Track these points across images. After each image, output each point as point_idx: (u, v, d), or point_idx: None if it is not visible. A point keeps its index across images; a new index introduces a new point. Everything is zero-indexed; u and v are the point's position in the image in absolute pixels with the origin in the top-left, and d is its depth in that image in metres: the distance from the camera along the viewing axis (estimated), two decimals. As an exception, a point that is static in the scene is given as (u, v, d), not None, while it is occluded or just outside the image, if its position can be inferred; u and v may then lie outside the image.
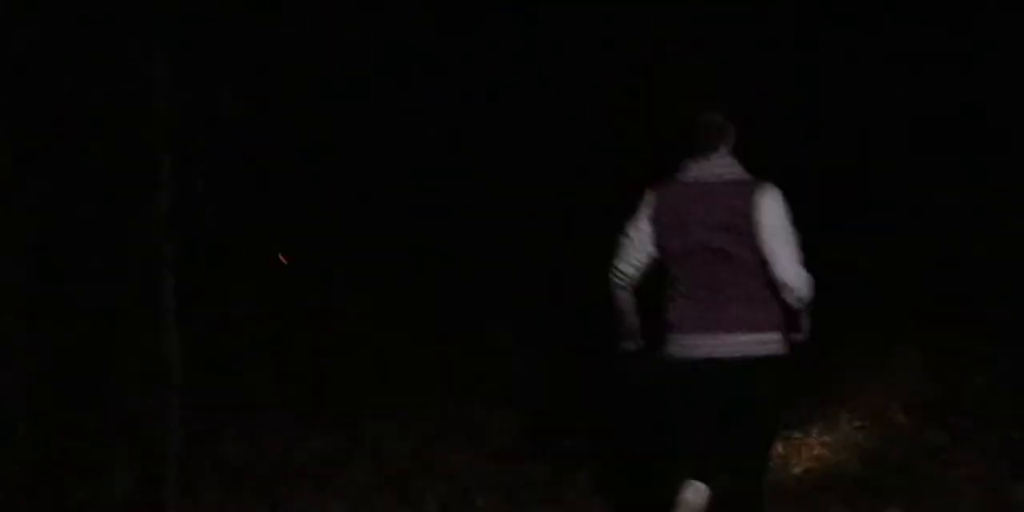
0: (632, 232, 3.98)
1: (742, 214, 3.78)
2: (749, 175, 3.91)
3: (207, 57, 6.10)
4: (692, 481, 3.74)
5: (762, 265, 3.79)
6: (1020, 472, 5.12)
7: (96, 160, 5.67)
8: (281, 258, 6.94)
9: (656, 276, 4.07)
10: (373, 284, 6.82)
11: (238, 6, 6.42)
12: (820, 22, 7.75)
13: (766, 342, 3.83)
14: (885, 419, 5.92)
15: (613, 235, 4.11)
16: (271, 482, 5.28)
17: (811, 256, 3.92)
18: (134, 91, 5.60)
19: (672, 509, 3.80)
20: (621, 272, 4.02)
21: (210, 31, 6.09)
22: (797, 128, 7.62)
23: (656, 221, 3.93)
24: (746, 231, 3.78)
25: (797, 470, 5.51)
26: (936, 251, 6.90)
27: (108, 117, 5.67)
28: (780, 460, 5.33)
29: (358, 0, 7.26)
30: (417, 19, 7.40)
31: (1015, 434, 5.50)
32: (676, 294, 3.91)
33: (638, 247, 3.97)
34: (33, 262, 5.58)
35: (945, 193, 7.26)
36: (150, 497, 5.15)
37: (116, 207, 5.68)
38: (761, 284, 3.82)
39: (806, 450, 5.66)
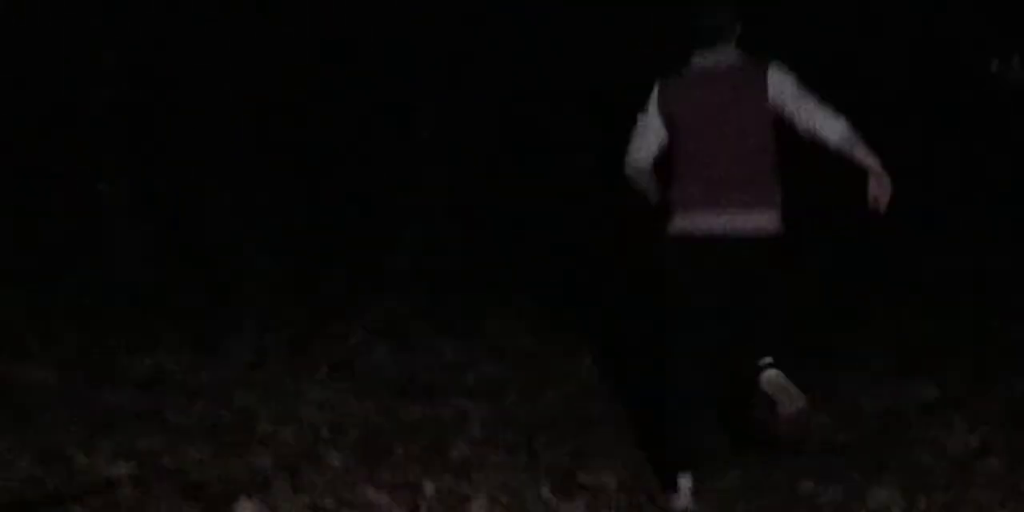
0: (643, 119, 4.09)
1: (752, 90, 3.90)
2: (753, 59, 4.01)
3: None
4: (760, 369, 3.84)
5: (771, 142, 3.93)
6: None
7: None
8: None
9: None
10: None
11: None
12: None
13: (772, 220, 3.93)
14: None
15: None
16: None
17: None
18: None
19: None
20: (635, 159, 4.13)
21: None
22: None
23: (664, 105, 4.03)
24: (756, 108, 3.89)
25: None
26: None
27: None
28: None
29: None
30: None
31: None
32: (684, 173, 3.99)
33: (649, 133, 4.07)
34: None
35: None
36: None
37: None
38: (768, 162, 3.95)
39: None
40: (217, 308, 6.23)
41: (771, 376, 3.83)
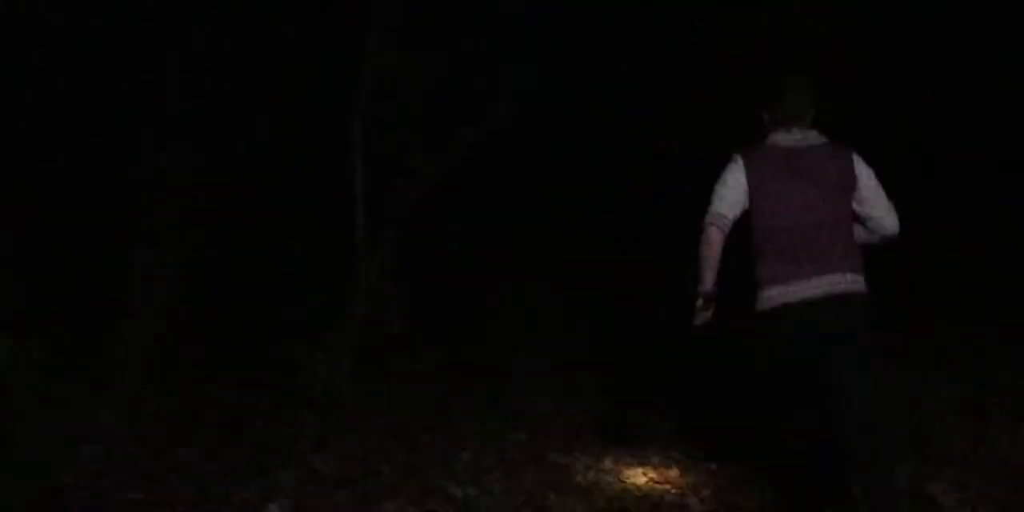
0: (731, 180, 4.12)
1: (842, 172, 4.10)
2: (835, 141, 4.19)
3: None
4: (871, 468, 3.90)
5: (852, 216, 4.13)
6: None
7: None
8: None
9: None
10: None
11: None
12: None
13: (861, 282, 4.09)
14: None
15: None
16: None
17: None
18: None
19: None
20: (720, 215, 4.10)
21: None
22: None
23: (752, 175, 4.11)
24: (844, 186, 4.09)
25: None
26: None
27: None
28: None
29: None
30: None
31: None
32: (778, 250, 4.07)
33: (735, 196, 4.11)
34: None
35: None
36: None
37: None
38: (851, 233, 4.13)
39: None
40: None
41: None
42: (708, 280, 4.06)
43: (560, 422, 5.69)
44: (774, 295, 4.03)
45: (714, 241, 4.06)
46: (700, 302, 4.06)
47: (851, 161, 4.12)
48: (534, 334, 6.99)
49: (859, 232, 4.18)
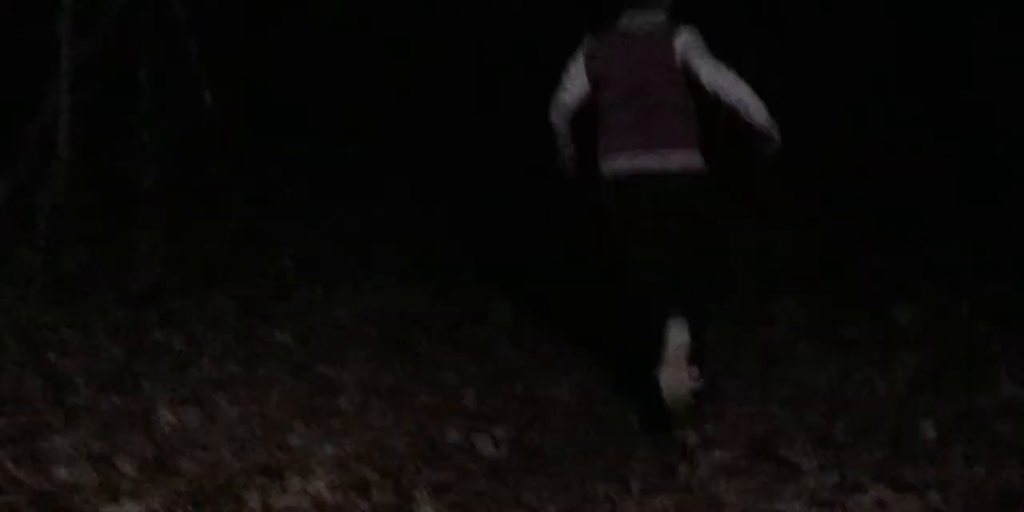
0: (573, 70, 4.57)
1: (663, 49, 4.39)
2: (672, 24, 4.46)
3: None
4: (673, 318, 4.18)
5: (685, 96, 4.40)
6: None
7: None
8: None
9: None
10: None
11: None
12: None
13: (696, 159, 4.40)
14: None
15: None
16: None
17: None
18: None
19: (660, 348, 4.20)
20: (560, 101, 4.64)
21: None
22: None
23: (590, 60, 4.52)
24: (667, 64, 4.37)
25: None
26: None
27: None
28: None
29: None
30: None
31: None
32: (610, 122, 4.46)
33: (576, 81, 4.57)
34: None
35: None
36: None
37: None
38: (686, 111, 4.41)
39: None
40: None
41: (676, 335, 4.18)
42: (563, 150, 4.72)
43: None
44: (611, 165, 4.42)
45: (558, 125, 4.68)
46: (562, 161, 4.74)
47: (672, 38, 4.37)
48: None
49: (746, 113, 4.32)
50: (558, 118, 4.66)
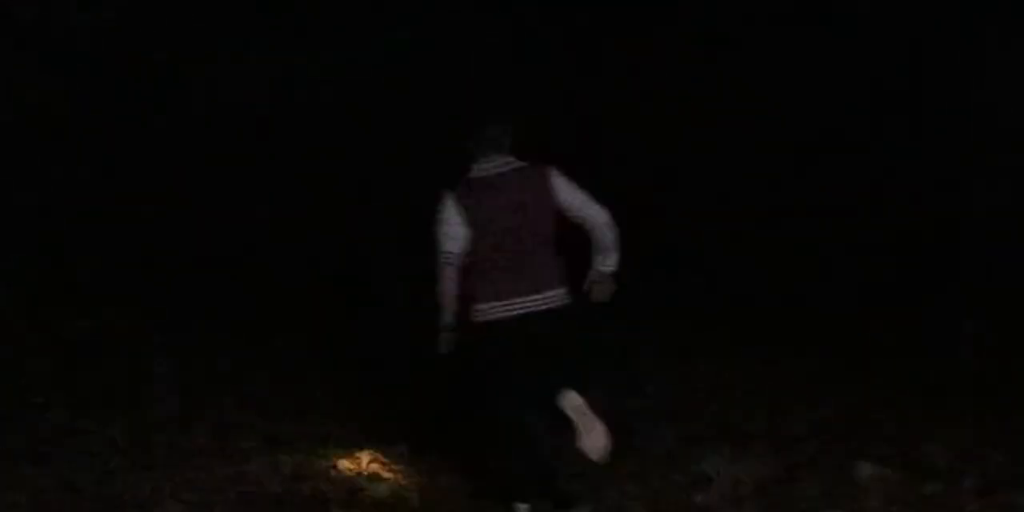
0: (447, 218, 4.58)
1: (537, 192, 4.58)
2: (529, 163, 4.65)
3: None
4: (563, 392, 4.44)
5: (554, 235, 4.62)
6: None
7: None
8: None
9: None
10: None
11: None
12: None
13: (563, 294, 4.64)
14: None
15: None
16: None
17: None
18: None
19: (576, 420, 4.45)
20: (449, 252, 4.58)
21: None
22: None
23: (463, 209, 4.56)
24: (543, 205, 4.58)
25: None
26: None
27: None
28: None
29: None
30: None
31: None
32: (488, 269, 4.56)
33: (455, 230, 4.57)
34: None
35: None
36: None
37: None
38: (552, 250, 4.63)
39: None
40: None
41: (571, 399, 4.44)
42: (448, 313, 4.62)
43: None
44: (487, 309, 4.57)
45: (448, 278, 4.59)
46: (444, 333, 4.63)
47: (547, 177, 4.59)
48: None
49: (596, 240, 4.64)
50: (448, 271, 4.57)
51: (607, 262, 4.65)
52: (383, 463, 5.18)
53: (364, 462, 5.17)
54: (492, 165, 4.58)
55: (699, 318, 7.39)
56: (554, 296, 4.56)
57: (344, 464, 5.12)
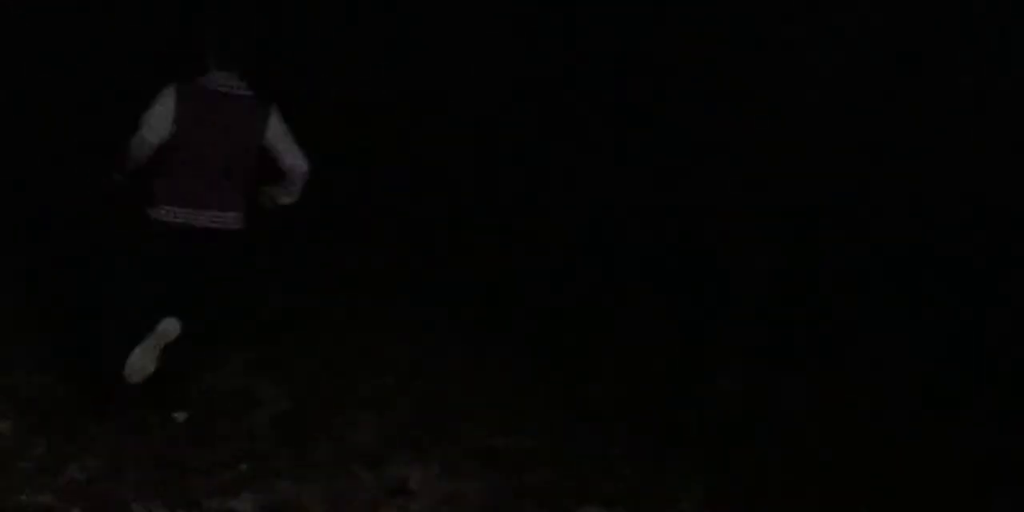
0: (159, 111, 4.72)
1: (249, 123, 4.78)
2: (254, 92, 4.81)
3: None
4: (167, 318, 4.66)
5: (251, 169, 4.84)
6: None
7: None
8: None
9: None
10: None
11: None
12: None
13: (233, 219, 4.83)
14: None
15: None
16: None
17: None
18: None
19: (149, 339, 4.66)
20: (144, 137, 4.75)
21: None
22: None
23: (178, 110, 4.70)
24: (249, 138, 4.79)
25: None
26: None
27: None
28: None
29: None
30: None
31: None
32: (172, 172, 4.75)
33: (162, 124, 4.71)
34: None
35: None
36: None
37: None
38: (242, 181, 4.83)
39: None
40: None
41: (168, 326, 4.67)
42: (128, 171, 4.83)
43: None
44: (158, 209, 4.74)
45: (135, 156, 4.77)
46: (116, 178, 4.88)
47: (266, 113, 4.80)
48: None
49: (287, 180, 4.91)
50: (139, 155, 4.77)
51: (285, 197, 4.97)
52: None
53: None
54: (222, 80, 4.74)
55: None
56: (223, 218, 4.77)
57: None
